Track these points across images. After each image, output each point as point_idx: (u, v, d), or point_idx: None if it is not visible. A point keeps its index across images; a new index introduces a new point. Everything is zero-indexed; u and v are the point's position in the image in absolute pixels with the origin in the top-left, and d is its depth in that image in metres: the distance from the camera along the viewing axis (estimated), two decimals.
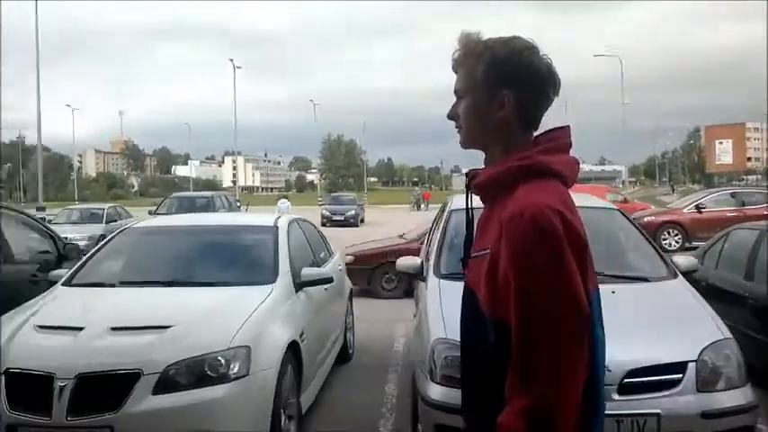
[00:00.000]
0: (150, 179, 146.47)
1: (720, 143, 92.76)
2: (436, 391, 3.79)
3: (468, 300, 1.59)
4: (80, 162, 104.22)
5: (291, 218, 6.30)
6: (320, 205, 54.15)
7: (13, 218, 6.71)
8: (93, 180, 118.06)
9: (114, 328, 4.01)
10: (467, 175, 1.68)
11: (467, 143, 1.64)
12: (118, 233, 5.78)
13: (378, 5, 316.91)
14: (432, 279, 4.72)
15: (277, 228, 5.62)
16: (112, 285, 5.02)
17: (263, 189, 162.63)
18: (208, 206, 19.46)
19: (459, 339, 1.66)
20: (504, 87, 1.55)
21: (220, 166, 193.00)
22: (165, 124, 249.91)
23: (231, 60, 55.45)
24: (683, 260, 4.96)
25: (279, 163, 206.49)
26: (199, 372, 3.79)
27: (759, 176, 79.35)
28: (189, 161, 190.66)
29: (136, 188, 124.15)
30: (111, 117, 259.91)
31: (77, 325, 4.08)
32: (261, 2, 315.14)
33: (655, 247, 4.99)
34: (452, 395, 3.74)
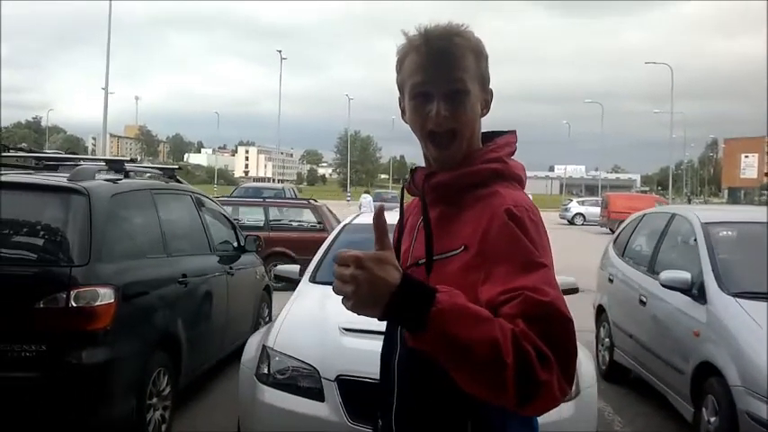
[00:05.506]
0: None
1: (746, 157, 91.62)
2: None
3: None
4: (94, 145, 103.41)
5: None
6: (348, 202, 53.04)
7: (208, 205, 6.50)
8: None
9: None
10: (412, 172, 1.55)
11: (463, 150, 1.44)
12: (341, 229, 5.56)
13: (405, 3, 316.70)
14: None
15: None
16: None
17: (276, 180, 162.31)
18: (278, 198, 19.17)
19: None
20: (488, 83, 1.48)
21: (233, 155, 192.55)
22: (180, 111, 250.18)
23: (279, 51, 57.81)
24: None
25: (291, 155, 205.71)
26: None
27: None
28: (202, 149, 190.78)
29: None
30: (127, 101, 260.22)
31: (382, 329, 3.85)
32: None
33: None
34: None
